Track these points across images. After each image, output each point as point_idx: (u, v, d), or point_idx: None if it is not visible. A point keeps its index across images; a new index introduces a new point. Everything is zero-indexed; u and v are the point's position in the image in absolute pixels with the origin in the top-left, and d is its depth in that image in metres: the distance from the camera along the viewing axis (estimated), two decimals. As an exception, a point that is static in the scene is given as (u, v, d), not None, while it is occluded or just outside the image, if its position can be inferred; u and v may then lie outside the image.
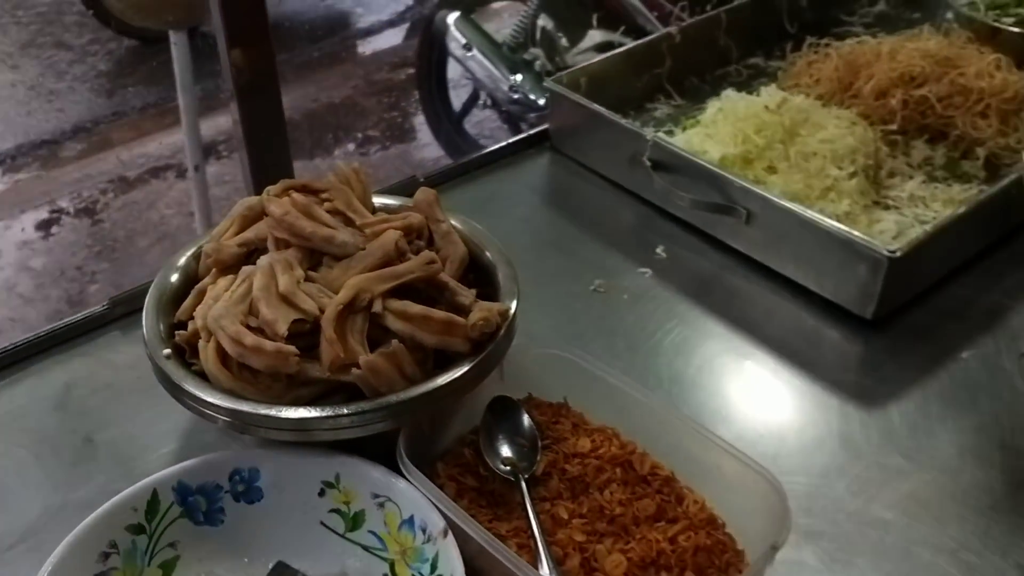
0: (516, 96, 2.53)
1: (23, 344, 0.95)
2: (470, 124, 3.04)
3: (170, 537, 0.72)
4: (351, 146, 3.32)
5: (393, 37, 4.00)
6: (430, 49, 2.78)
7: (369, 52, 3.95)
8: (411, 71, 3.52)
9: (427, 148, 3.14)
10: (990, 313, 0.98)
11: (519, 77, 2.52)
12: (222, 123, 3.33)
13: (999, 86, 1.15)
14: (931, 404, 0.89)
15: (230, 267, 0.80)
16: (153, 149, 3.31)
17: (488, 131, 3.07)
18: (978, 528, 0.78)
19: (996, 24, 1.25)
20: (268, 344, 0.71)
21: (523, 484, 0.74)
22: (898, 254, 0.91)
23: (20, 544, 0.78)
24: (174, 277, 0.83)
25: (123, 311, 1.00)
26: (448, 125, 2.95)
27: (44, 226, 2.92)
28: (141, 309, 0.99)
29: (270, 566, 0.72)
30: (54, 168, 3.23)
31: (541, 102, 2.44)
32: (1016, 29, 1.25)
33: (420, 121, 3.24)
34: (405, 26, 4.04)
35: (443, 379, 0.73)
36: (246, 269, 0.78)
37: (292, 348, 0.71)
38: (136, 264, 2.74)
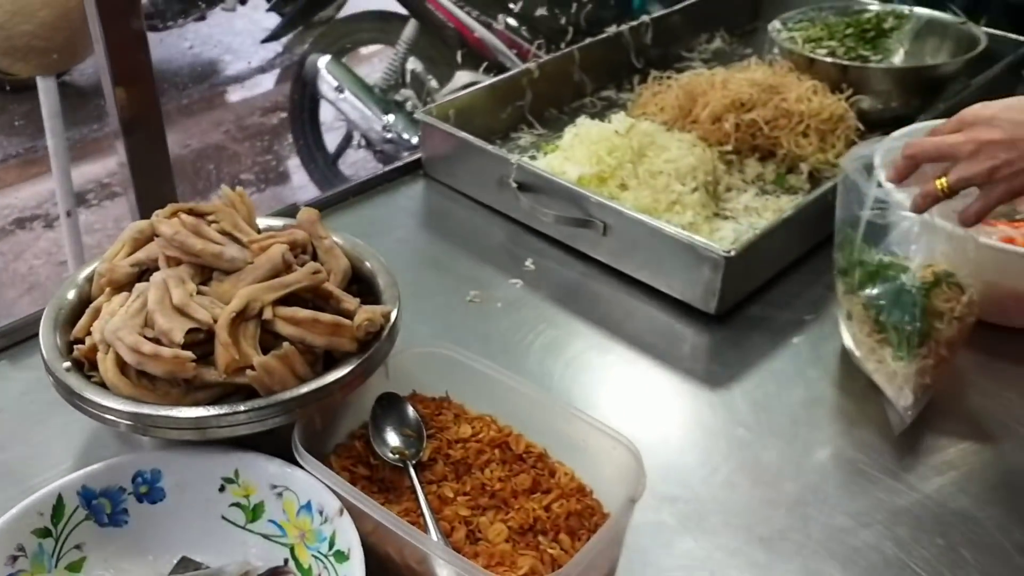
0: (389, 135, 2.62)
1: (-91, 376, 0.97)
2: (345, 164, 3.11)
3: (76, 539, 0.75)
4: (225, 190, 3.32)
5: (263, 83, 4.03)
6: (302, 92, 2.85)
7: (239, 98, 3.96)
8: (283, 115, 3.56)
9: (302, 190, 3.18)
10: (815, 304, 1.11)
11: (391, 117, 2.62)
12: (88, 171, 3.29)
13: (816, 109, 1.31)
14: (768, 383, 1.01)
15: (123, 286, 0.85)
16: (17, 200, 3.22)
17: (363, 170, 3.14)
18: (810, 484, 0.89)
19: (812, 56, 1.42)
20: (166, 351, 0.76)
21: (411, 469, 0.81)
22: (733, 254, 1.04)
23: (-82, 565, 0.80)
24: (70, 295, 0.87)
25: (8, 342, 1.03)
26: (323, 166, 3.00)
27: (-97, 281, 2.81)
28: (27, 339, 1.02)
29: (174, 562, 0.77)
30: (-90, 221, 3.11)
31: (414, 140, 2.54)
32: (828, 59, 1.42)
33: (295, 164, 3.28)
34: (275, 72, 4.08)
35: (332, 376, 0.80)
36: (140, 286, 0.83)
37: (189, 353, 0.76)
38: (4, 315, 2.66)
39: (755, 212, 1.22)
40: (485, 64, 2.14)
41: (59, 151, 2.13)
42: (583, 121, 1.32)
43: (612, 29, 1.55)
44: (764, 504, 0.87)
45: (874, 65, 1.44)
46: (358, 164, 3.26)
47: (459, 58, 2.21)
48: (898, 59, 1.51)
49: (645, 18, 1.58)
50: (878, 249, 0.96)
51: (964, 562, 0.82)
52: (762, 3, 1.79)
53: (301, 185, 3.25)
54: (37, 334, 1.01)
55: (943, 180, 0.89)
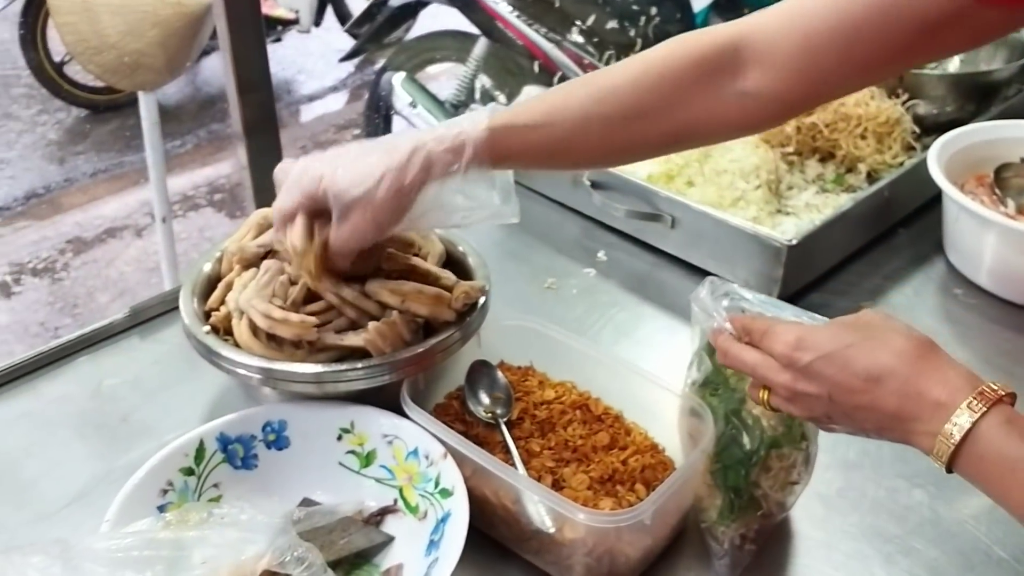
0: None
1: (57, 347, 1.10)
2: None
3: (214, 479, 0.87)
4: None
5: (337, 101, 4.22)
6: (377, 108, 2.99)
7: (314, 115, 4.15)
8: (356, 131, 3.72)
9: (375, 201, 3.33)
10: (872, 292, 1.19)
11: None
12: (173, 185, 3.48)
13: (874, 112, 1.39)
14: (827, 362, 1.08)
15: (251, 263, 0.97)
16: (108, 211, 3.43)
17: (433, 183, 3.27)
18: (865, 450, 0.97)
19: (869, 64, 1.50)
20: (294, 316, 0.87)
21: (502, 426, 0.91)
22: (794, 243, 1.12)
23: (74, 503, 0.92)
24: (206, 267, 0.99)
25: (137, 320, 1.15)
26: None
27: (4, 286, 3.01)
28: (155, 317, 1.15)
29: (297, 502, 0.88)
30: (9, 232, 3.32)
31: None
32: (885, 67, 1.50)
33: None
34: (347, 91, 4.26)
35: (435, 341, 0.90)
36: (265, 263, 0.95)
37: (313, 318, 0.88)
38: (99, 319, 2.84)
39: (815, 208, 1.30)
40: (559, 75, 2.25)
41: (156, 162, 2.29)
42: (652, 125, 1.41)
43: (678, 41, 1.64)
44: (822, 467, 0.95)
45: (929, 71, 1.51)
46: (426, 177, 3.40)
47: (536, 68, 2.33)
48: (953, 66, 1.58)
49: (709, 31, 1.67)
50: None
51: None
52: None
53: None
54: (163, 313, 1.15)
55: (766, 395, 0.77)
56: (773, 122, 0.89)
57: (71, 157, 3.82)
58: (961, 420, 0.66)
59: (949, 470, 0.68)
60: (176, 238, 3.13)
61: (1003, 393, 0.67)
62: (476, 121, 0.83)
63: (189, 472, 0.85)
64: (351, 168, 0.83)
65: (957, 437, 0.66)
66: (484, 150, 0.82)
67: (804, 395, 0.73)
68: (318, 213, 0.85)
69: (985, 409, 0.66)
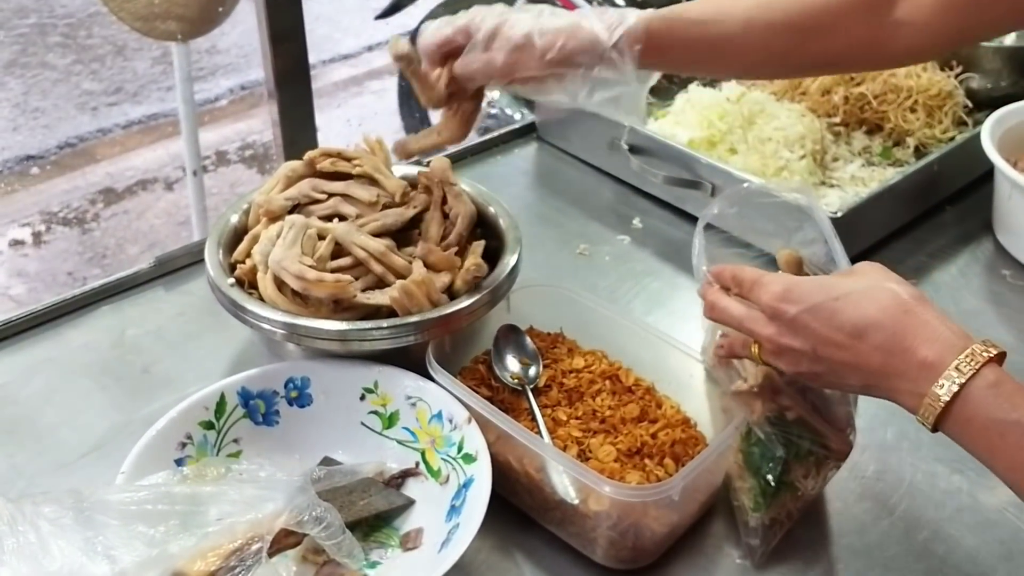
0: (493, 111, 2.69)
1: (81, 295, 1.08)
2: (448, 139, 3.20)
3: (234, 434, 0.85)
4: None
5: (372, 60, 4.17)
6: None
7: (348, 75, 4.10)
8: (391, 91, 3.68)
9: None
10: (916, 270, 1.15)
11: (496, 93, 2.69)
12: (204, 139, 3.47)
13: (925, 85, 1.33)
14: (867, 340, 1.05)
15: (277, 216, 0.94)
16: (139, 163, 3.42)
17: (463, 146, 3.23)
18: (903, 430, 0.94)
19: (923, 33, 1.44)
20: (328, 276, 0.85)
21: (529, 393, 0.89)
22: (839, 215, 1.08)
23: (92, 452, 0.91)
24: (233, 219, 0.97)
25: (162, 271, 1.13)
26: (427, 139, 3.10)
27: (35, 235, 3.02)
28: (180, 269, 1.13)
29: (317, 461, 0.86)
30: (42, 181, 3.33)
31: (516, 116, 2.61)
32: (940, 37, 1.44)
33: (399, 136, 3.40)
34: (383, 50, 4.21)
35: (461, 303, 0.88)
36: (290, 218, 0.93)
37: (348, 276, 0.85)
38: (127, 269, 2.85)
39: (861, 181, 1.26)
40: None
41: (188, 115, 2.27)
42: (695, 88, 1.37)
43: (723, 4, 1.59)
44: (858, 449, 0.92)
45: (985, 44, 1.45)
46: (458, 141, 3.37)
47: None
48: (1010, 39, 1.51)
49: (756, -5, 1.62)
50: None
51: None
52: (873, -16, 1.80)
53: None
54: (188, 264, 1.13)
55: (757, 349, 0.75)
56: (924, 55, 0.95)
57: (105, 108, 3.81)
58: (949, 382, 0.64)
59: (934, 430, 0.67)
60: (207, 192, 3.13)
61: (992, 354, 0.65)
62: (637, 14, 0.84)
63: (209, 426, 0.84)
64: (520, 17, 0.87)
65: (945, 399, 0.65)
66: (638, 40, 0.83)
67: (789, 349, 0.71)
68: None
69: (974, 371, 0.64)
